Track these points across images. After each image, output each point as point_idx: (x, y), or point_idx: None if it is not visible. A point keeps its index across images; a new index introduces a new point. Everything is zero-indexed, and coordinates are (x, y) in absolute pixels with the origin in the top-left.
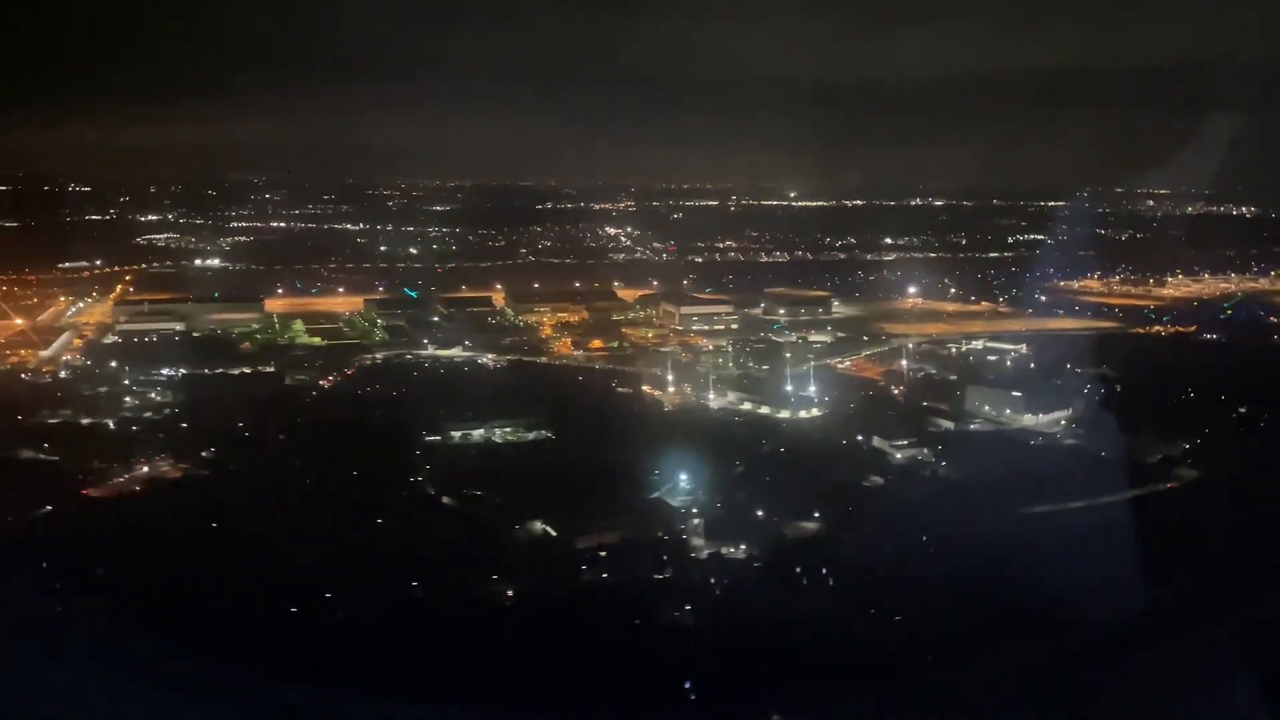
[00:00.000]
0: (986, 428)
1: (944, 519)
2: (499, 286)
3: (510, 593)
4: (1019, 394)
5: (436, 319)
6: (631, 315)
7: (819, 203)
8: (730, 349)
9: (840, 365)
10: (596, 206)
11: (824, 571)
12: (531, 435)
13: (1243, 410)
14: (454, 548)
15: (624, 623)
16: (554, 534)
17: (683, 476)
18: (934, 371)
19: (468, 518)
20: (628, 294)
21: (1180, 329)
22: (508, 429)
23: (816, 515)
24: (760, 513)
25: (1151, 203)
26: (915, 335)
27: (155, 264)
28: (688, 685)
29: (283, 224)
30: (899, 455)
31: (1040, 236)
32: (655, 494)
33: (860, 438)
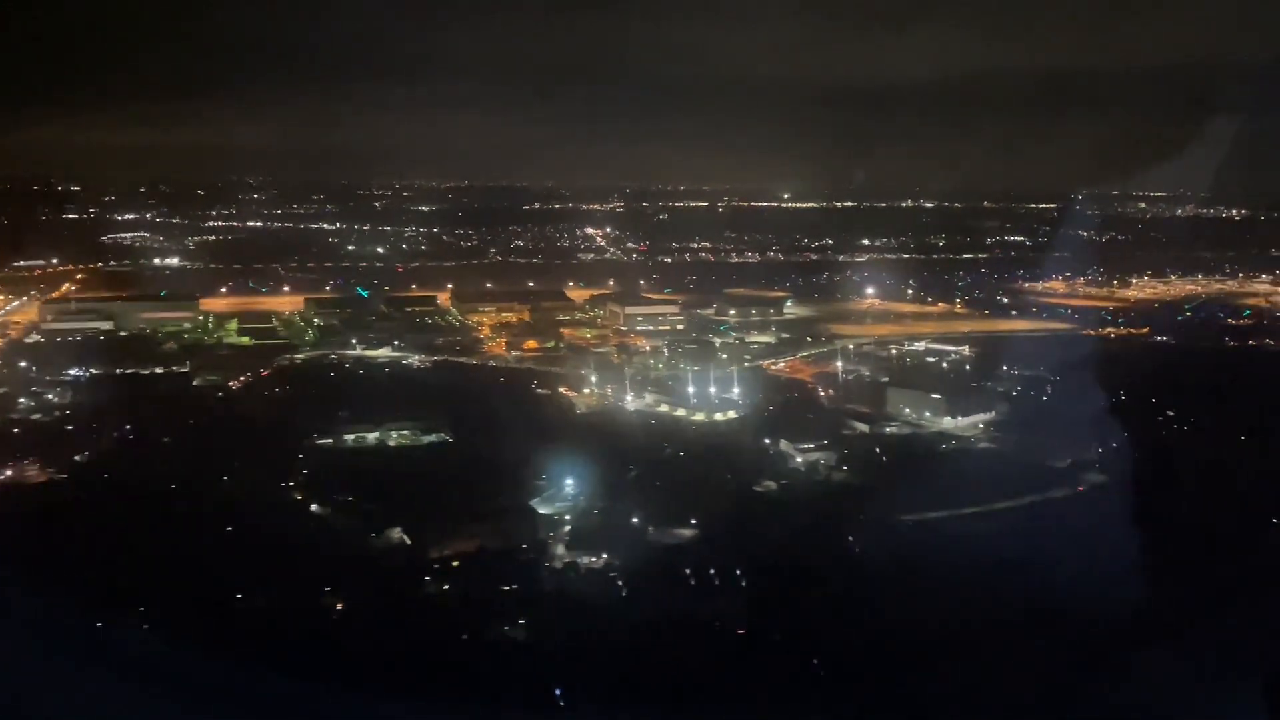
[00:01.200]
0: (903, 430)
1: (823, 526)
2: (450, 286)
3: (339, 605)
4: (938, 396)
5: (374, 318)
6: (577, 316)
7: (810, 204)
8: (664, 350)
9: (774, 367)
10: (584, 207)
11: (677, 581)
12: (428, 438)
13: (1169, 414)
14: (300, 557)
15: (450, 637)
16: (409, 542)
17: (567, 481)
18: (866, 373)
19: (327, 525)
20: (582, 294)
21: (1133, 331)
22: (404, 431)
23: (693, 522)
24: (635, 519)
25: (1143, 205)
26: (862, 336)
27: (114, 262)
28: (501, 701)
29: (259, 223)
30: (800, 459)
31: (1020, 239)
32: (531, 500)
33: (768, 441)
